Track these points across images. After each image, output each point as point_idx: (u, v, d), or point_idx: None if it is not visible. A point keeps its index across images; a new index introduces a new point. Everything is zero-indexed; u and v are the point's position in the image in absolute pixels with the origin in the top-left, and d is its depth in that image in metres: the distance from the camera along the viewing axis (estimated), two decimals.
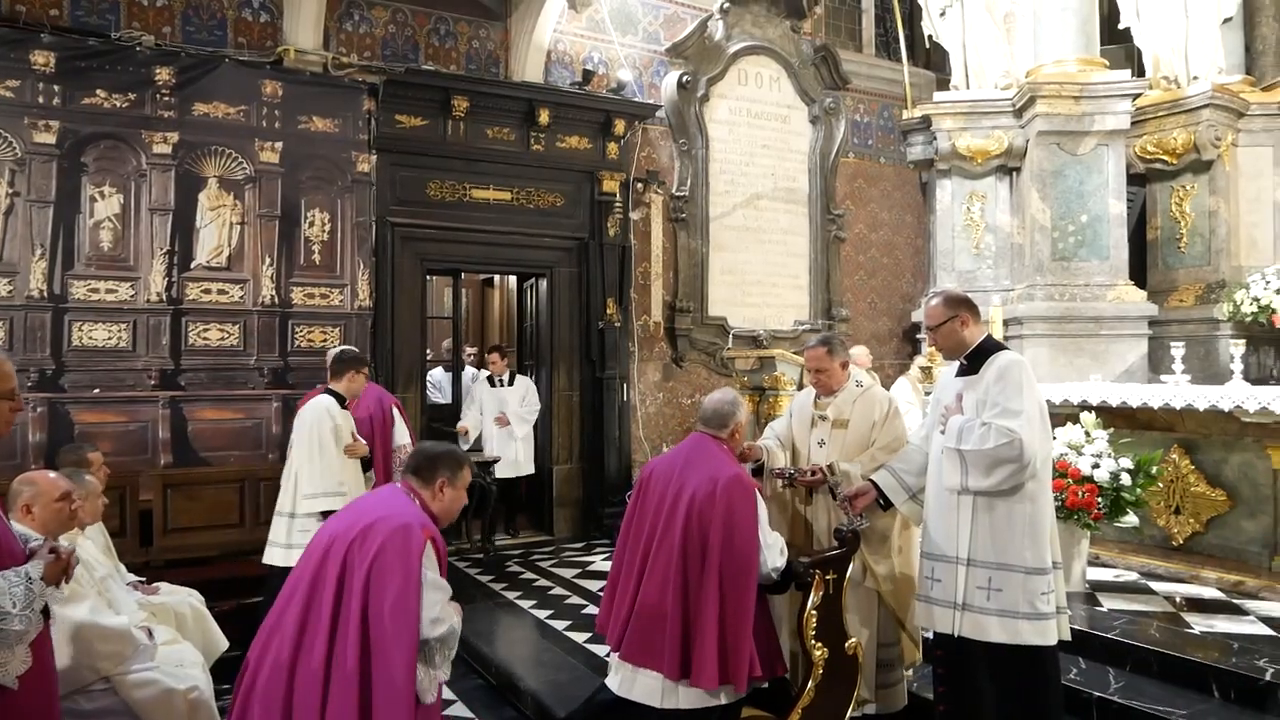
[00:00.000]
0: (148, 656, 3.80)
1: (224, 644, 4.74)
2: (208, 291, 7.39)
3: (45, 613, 2.63)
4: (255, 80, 7.53)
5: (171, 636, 4.30)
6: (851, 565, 3.86)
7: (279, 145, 7.60)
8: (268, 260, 7.56)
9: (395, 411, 6.26)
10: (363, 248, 7.96)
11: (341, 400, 5.45)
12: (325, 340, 7.70)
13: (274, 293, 7.57)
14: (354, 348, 6.82)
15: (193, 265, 7.33)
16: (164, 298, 7.19)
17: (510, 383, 8.91)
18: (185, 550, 6.21)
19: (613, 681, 3.62)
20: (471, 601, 6.67)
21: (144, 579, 4.91)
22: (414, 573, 2.79)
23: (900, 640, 4.17)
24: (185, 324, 7.29)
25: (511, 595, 6.86)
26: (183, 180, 7.28)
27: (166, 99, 7.19)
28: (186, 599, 4.80)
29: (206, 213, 7.39)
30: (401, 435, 6.20)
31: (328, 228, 7.85)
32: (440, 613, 2.85)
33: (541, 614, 6.34)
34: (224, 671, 4.29)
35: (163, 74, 7.14)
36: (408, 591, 2.76)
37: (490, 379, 8.91)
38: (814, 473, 4.08)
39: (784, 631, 3.97)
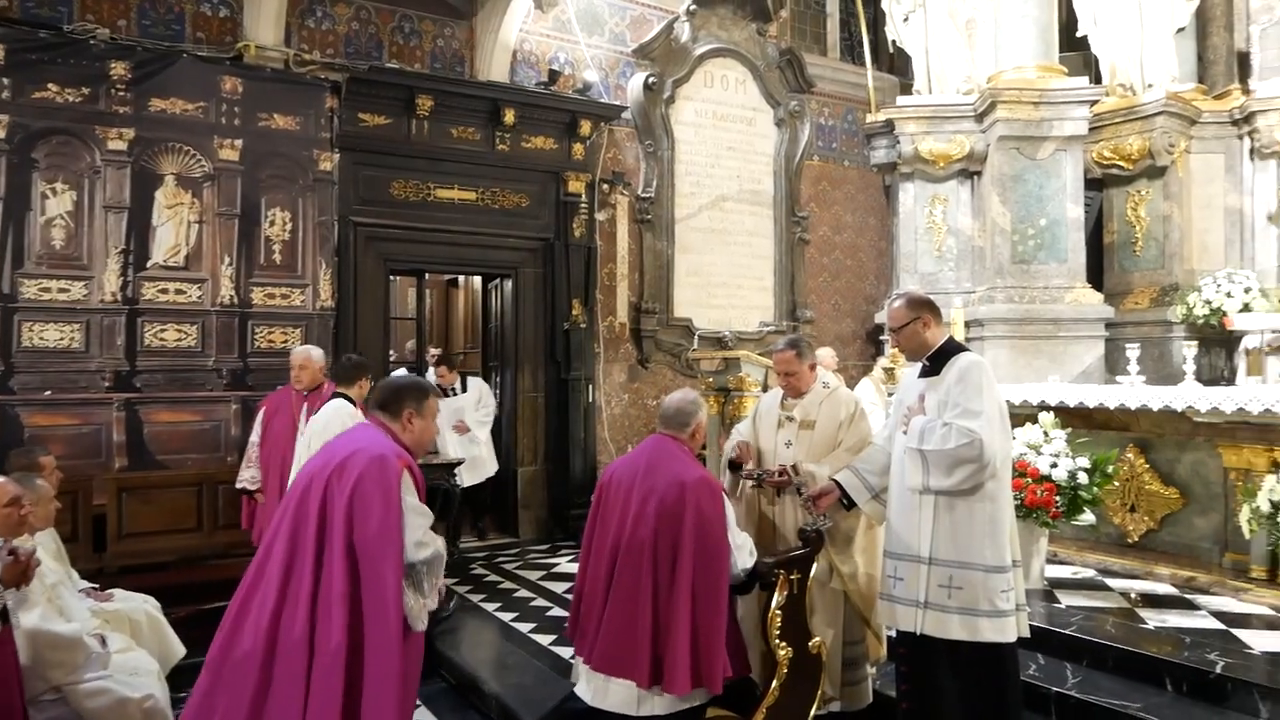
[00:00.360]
0: (100, 665, 3.73)
1: (181, 651, 4.66)
2: (165, 291, 7.27)
3: (3, 615, 2.60)
4: (214, 76, 7.43)
5: (126, 644, 4.23)
6: (818, 565, 3.89)
7: (239, 143, 7.49)
8: (227, 259, 7.45)
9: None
10: (325, 247, 7.88)
11: (352, 404, 5.37)
12: (286, 341, 7.60)
13: (233, 293, 7.46)
14: (359, 355, 6.63)
15: (149, 264, 7.21)
16: (119, 297, 7.05)
17: (463, 389, 8.85)
18: (141, 556, 6.11)
19: (584, 691, 3.56)
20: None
21: (97, 586, 4.82)
22: (394, 499, 2.84)
23: (865, 638, 4.20)
24: (141, 324, 7.16)
25: (476, 598, 6.82)
26: (139, 177, 7.15)
27: (122, 94, 7.06)
28: (142, 605, 4.72)
29: (163, 211, 7.27)
30: None
31: (289, 227, 7.76)
32: (424, 536, 2.91)
33: (506, 616, 6.31)
34: (181, 680, 4.22)
35: (118, 68, 7.01)
36: (389, 517, 2.80)
37: (442, 389, 8.81)
38: (780, 473, 4.10)
39: (748, 631, 3.98)
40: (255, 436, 5.99)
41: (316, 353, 5.91)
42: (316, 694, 2.68)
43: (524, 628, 6.02)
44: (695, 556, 3.38)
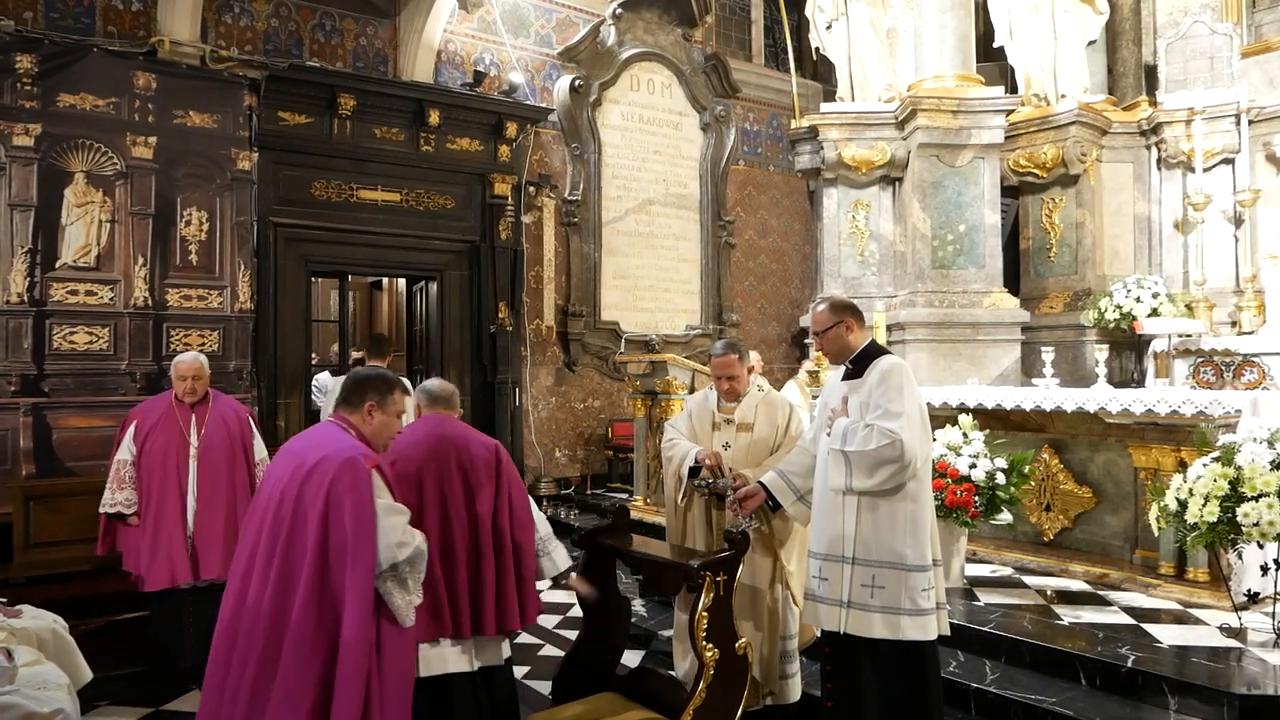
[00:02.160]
0: (6, 679, 3.57)
1: (88, 675, 4.42)
2: (74, 292, 7.01)
3: None
4: (126, 71, 7.19)
5: (34, 657, 4.05)
6: (757, 566, 3.91)
7: (153, 140, 7.27)
8: (140, 260, 7.22)
9: (251, 423, 5.59)
10: (243, 248, 7.68)
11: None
12: (203, 344, 7.39)
13: (147, 294, 7.23)
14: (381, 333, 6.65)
15: (58, 264, 6.95)
16: (25, 298, 6.78)
17: None
18: (49, 566, 5.86)
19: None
20: None
21: (4, 599, 4.60)
22: (367, 502, 2.82)
23: (799, 633, 4.25)
24: (49, 326, 6.89)
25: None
26: (46, 174, 6.88)
27: (28, 88, 6.79)
28: (50, 625, 4.52)
29: (73, 209, 7.01)
30: (260, 449, 5.48)
31: (206, 227, 7.55)
32: (403, 535, 2.88)
33: None
34: (93, 693, 4.07)
35: (24, 61, 6.74)
36: (362, 521, 2.78)
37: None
38: (727, 476, 4.11)
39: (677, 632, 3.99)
40: (126, 454, 5.16)
41: (205, 360, 5.43)
42: (291, 694, 2.70)
43: None
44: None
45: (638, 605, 6.12)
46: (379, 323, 12.59)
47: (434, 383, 3.89)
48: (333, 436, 3.02)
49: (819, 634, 3.83)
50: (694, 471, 4.23)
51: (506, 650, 3.72)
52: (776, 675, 4.19)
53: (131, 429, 5.21)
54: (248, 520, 3.05)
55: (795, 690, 4.28)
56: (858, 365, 3.67)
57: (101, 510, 5.19)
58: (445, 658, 3.47)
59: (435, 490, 3.47)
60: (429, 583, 3.15)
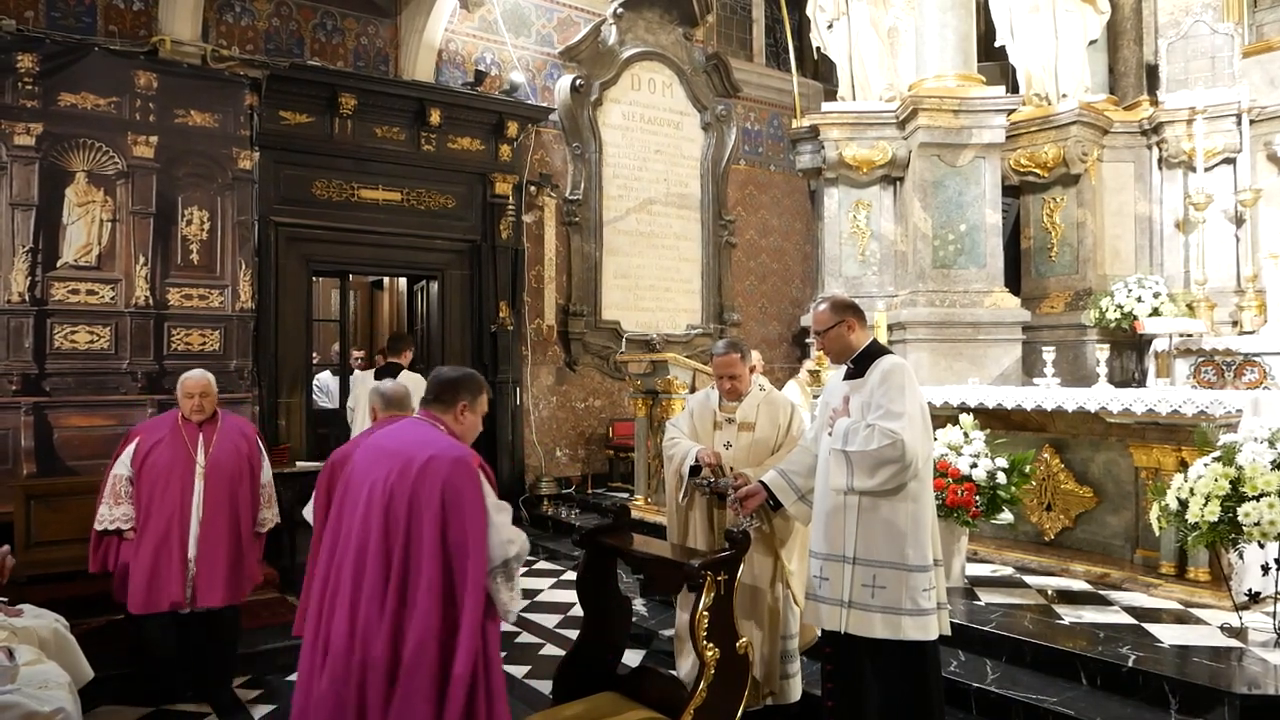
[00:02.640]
0: (7, 678, 3.57)
1: (89, 674, 4.42)
2: (75, 292, 7.01)
3: None
4: (128, 70, 7.18)
5: (34, 656, 4.05)
6: (757, 565, 3.91)
7: (154, 139, 7.26)
8: (142, 259, 7.22)
9: (260, 445, 5.25)
10: (244, 248, 7.68)
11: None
12: (204, 343, 7.40)
13: (148, 293, 7.23)
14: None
15: (59, 264, 6.94)
16: (26, 298, 6.77)
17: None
18: (50, 565, 5.85)
19: None
20: None
21: (5, 599, 4.60)
22: (480, 500, 2.90)
23: (799, 632, 4.25)
24: (51, 326, 6.89)
25: None
26: (47, 174, 6.87)
27: (29, 88, 6.78)
28: (51, 624, 4.52)
29: (74, 209, 7.00)
30: (268, 472, 5.18)
31: (207, 226, 7.54)
32: (510, 533, 2.96)
33: None
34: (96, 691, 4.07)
35: (25, 60, 6.73)
36: (478, 518, 2.87)
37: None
38: (731, 474, 4.11)
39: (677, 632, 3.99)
40: (124, 469, 4.87)
41: (212, 378, 5.11)
42: (413, 693, 2.77)
43: None
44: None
45: (638, 605, 6.12)
46: (379, 322, 12.57)
47: (386, 384, 4.42)
48: (431, 435, 3.04)
49: (820, 634, 3.84)
50: (694, 470, 4.22)
51: None
52: (777, 675, 4.19)
53: (132, 446, 4.90)
54: (344, 517, 3.04)
55: (796, 690, 4.28)
56: (859, 365, 3.67)
57: (98, 526, 4.88)
58: None
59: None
60: None
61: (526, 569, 7.19)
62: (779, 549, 4.16)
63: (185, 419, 4.94)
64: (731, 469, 4.15)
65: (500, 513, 2.97)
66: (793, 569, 4.17)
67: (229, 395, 7.02)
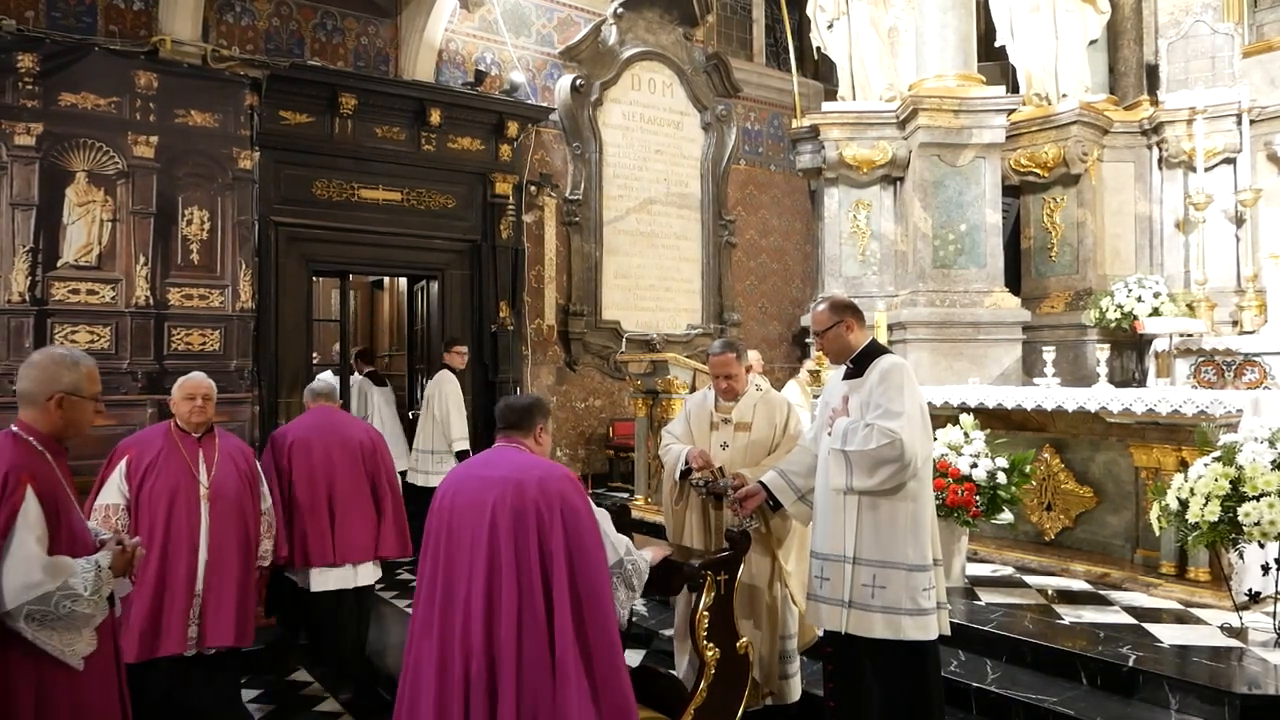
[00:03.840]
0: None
1: None
2: (76, 292, 7.01)
3: (111, 600, 2.82)
4: (128, 70, 7.18)
5: None
6: (755, 565, 3.91)
7: (154, 139, 7.26)
8: (142, 259, 7.22)
9: (259, 466, 4.75)
10: (245, 248, 7.68)
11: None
12: (204, 343, 7.40)
13: (149, 293, 7.23)
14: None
15: (59, 264, 6.94)
16: (27, 298, 6.78)
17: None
18: None
19: None
20: None
21: None
22: (590, 511, 3.12)
23: (798, 632, 4.25)
24: (51, 325, 6.89)
25: (403, 604, 6.71)
26: (47, 174, 6.88)
27: (30, 88, 6.79)
28: None
29: (74, 209, 7.01)
30: (268, 496, 4.68)
31: (207, 226, 7.55)
32: (616, 537, 3.22)
33: None
34: None
35: (25, 60, 6.73)
36: (593, 529, 3.08)
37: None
38: (724, 475, 4.12)
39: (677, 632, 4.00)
40: (116, 497, 4.18)
41: (212, 382, 4.52)
42: (558, 694, 2.94)
43: None
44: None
45: (638, 605, 6.11)
46: (380, 322, 12.59)
47: (317, 381, 5.56)
48: (528, 458, 3.21)
49: (820, 634, 3.84)
50: (686, 473, 4.24)
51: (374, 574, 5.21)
52: (776, 675, 4.20)
53: (122, 466, 4.22)
54: (458, 546, 3.13)
55: (795, 690, 4.28)
56: (858, 365, 3.67)
57: None
58: (329, 579, 4.95)
59: (324, 454, 5.02)
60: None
61: None
62: (776, 549, 4.16)
63: (181, 431, 4.35)
64: (720, 468, 4.16)
65: (608, 522, 3.22)
66: (790, 569, 4.17)
67: (229, 395, 7.03)
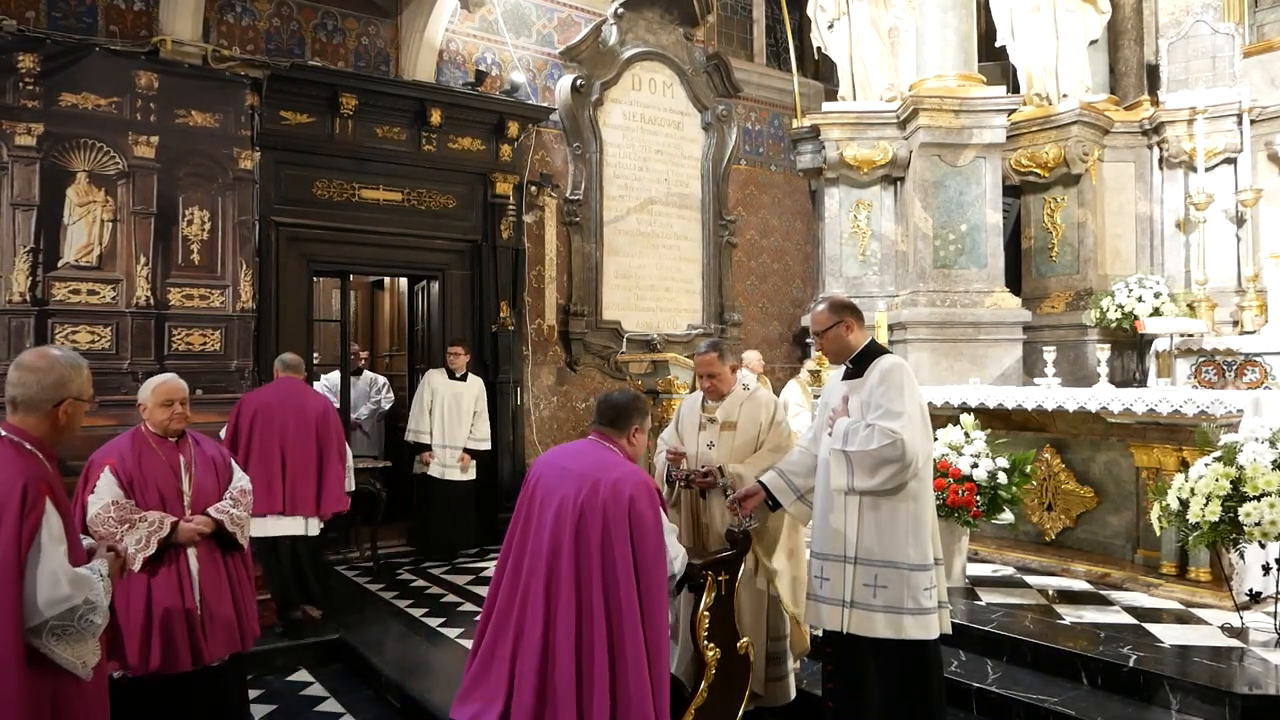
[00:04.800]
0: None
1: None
2: (76, 292, 7.01)
3: (111, 607, 2.82)
4: (129, 71, 7.19)
5: None
6: (745, 570, 3.91)
7: (154, 139, 7.26)
8: (143, 260, 7.22)
9: (234, 466, 4.44)
10: (245, 248, 7.68)
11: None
12: (205, 343, 7.40)
13: (149, 293, 7.23)
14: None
15: (60, 264, 6.94)
16: (27, 298, 6.78)
17: (464, 379, 8.59)
18: None
19: None
20: (361, 611, 6.51)
21: None
22: (659, 521, 3.18)
23: (789, 634, 4.25)
24: (51, 326, 6.89)
25: (403, 604, 6.71)
26: (48, 174, 6.88)
27: (30, 88, 6.78)
28: None
29: (75, 209, 7.01)
30: (241, 479, 4.38)
31: (207, 226, 7.55)
32: (676, 550, 3.30)
33: (434, 622, 6.23)
34: None
35: (26, 61, 6.73)
36: (660, 537, 3.16)
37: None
38: (707, 474, 4.13)
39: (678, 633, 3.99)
40: (119, 493, 3.97)
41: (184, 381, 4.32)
42: (615, 689, 3.08)
43: (451, 633, 5.95)
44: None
45: None
46: (380, 322, 12.59)
47: (288, 354, 6.44)
48: (612, 458, 3.30)
49: (820, 634, 3.84)
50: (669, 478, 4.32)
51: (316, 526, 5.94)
52: (764, 677, 4.18)
53: (106, 477, 4.02)
54: (532, 533, 3.26)
55: (789, 692, 4.27)
56: (858, 365, 3.68)
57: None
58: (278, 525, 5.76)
59: (283, 418, 5.85)
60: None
61: None
62: (758, 549, 4.14)
63: (157, 437, 4.15)
64: (721, 468, 4.17)
65: (670, 533, 3.27)
66: (776, 568, 4.16)
67: (230, 395, 7.04)
